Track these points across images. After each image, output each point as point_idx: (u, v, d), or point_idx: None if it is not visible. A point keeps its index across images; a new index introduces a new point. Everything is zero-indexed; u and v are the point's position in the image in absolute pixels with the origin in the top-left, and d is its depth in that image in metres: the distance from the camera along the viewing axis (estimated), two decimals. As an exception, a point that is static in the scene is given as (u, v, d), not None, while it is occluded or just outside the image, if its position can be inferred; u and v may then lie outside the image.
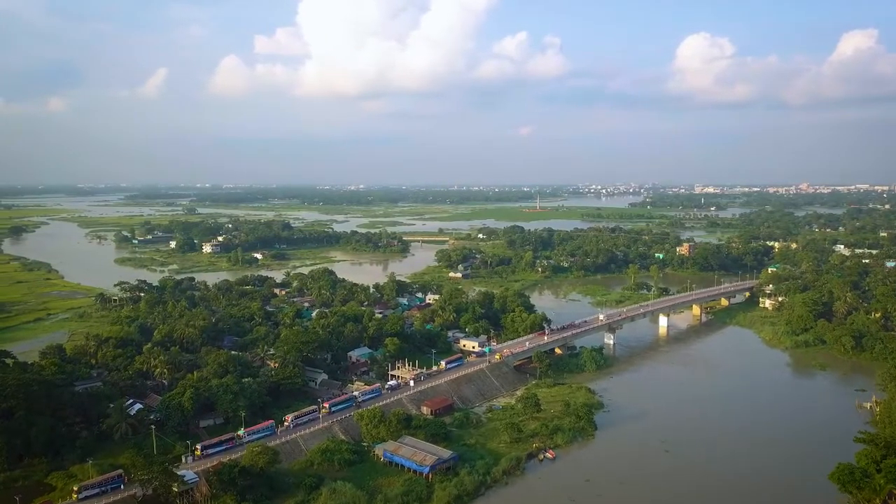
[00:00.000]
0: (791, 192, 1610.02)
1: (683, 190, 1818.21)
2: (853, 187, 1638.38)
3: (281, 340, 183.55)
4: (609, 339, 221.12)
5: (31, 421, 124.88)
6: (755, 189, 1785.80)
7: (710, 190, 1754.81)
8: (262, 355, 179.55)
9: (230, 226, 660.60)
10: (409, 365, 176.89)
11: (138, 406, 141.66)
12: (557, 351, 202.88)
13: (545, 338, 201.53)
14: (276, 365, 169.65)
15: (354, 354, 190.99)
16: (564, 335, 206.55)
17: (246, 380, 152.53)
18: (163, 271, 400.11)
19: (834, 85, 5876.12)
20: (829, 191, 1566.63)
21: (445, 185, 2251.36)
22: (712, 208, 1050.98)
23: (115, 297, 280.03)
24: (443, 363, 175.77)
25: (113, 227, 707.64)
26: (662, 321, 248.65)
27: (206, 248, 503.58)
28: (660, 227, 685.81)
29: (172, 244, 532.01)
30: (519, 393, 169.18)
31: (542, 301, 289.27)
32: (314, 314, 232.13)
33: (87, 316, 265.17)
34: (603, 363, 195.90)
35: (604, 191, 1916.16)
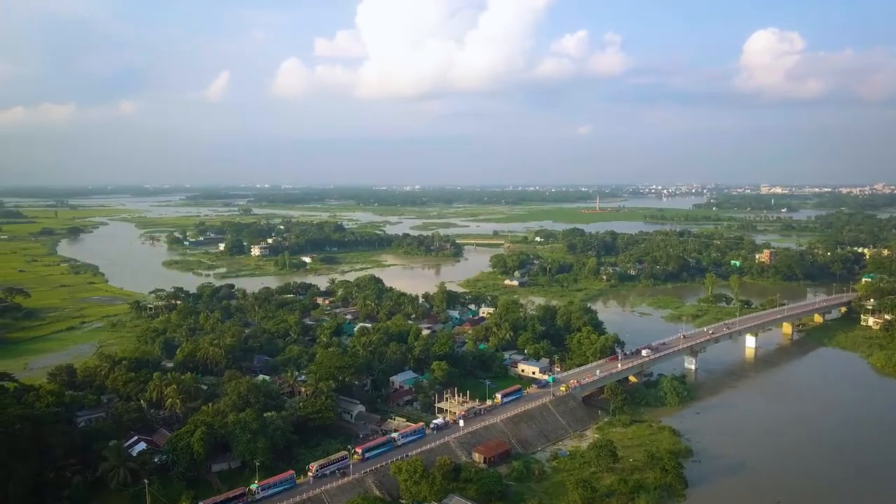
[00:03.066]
0: (866, 192, 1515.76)
1: (749, 190, 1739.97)
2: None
3: (315, 363, 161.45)
4: (690, 364, 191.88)
5: (11, 467, 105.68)
6: (826, 189, 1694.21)
7: (778, 190, 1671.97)
8: (291, 382, 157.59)
9: (282, 227, 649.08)
10: (458, 395, 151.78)
11: (142, 446, 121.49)
12: (632, 379, 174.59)
13: (618, 364, 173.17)
14: (308, 392, 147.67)
15: (398, 380, 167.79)
16: (641, 360, 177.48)
17: (269, 414, 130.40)
18: (208, 275, 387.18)
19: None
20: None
21: (501, 186, 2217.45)
22: (783, 210, 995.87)
23: (151, 306, 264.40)
24: (499, 396, 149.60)
25: (170, 227, 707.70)
26: (749, 341, 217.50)
27: (255, 251, 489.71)
28: (729, 230, 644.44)
29: (221, 246, 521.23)
30: (589, 433, 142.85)
31: (609, 314, 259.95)
32: (356, 329, 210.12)
33: (121, 325, 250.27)
34: (686, 395, 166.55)
35: (665, 191, 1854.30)
